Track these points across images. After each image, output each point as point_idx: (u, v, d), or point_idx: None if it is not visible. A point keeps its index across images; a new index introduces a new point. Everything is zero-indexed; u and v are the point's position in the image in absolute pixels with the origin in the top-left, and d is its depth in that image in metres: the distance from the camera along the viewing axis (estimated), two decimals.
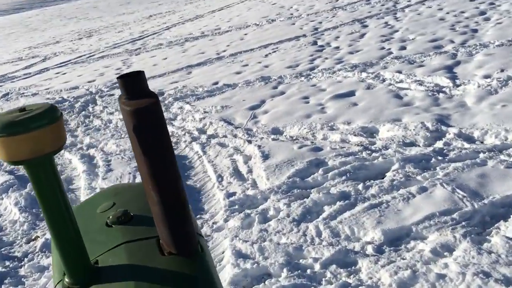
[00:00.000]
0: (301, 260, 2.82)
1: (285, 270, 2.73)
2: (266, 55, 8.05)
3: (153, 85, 7.38)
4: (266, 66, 7.33)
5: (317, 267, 2.73)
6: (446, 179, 3.30)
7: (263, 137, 4.65)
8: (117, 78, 1.06)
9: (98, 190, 4.11)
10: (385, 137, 4.22)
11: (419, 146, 3.93)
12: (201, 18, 14.52)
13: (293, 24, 10.32)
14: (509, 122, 3.99)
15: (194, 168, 4.39)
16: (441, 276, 2.46)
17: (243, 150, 4.47)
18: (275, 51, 8.22)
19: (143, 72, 1.06)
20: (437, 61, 5.90)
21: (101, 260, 1.20)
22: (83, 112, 6.70)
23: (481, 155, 3.57)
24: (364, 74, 5.98)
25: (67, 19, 22.10)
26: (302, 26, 9.85)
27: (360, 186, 3.44)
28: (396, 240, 2.87)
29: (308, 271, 2.70)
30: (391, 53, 6.70)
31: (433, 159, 3.63)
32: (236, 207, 3.52)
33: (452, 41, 6.68)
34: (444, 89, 5.03)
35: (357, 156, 3.88)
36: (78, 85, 8.36)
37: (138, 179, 4.18)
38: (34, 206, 4.11)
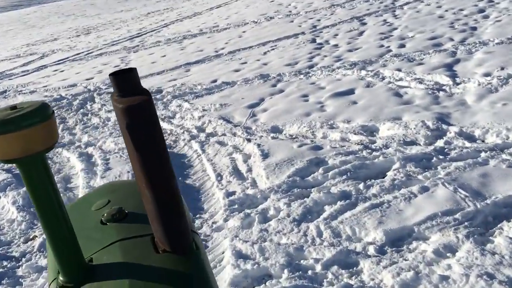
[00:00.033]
0: (302, 261, 2.79)
1: (286, 271, 2.70)
2: (265, 53, 8.01)
3: (152, 83, 7.34)
4: (265, 64, 7.30)
5: (318, 268, 2.70)
6: (447, 179, 3.28)
7: (262, 136, 4.62)
8: (109, 75, 1.05)
9: None
10: (386, 135, 4.19)
11: (419, 145, 3.90)
12: (199, 15, 14.47)
13: (292, 21, 10.28)
14: (510, 121, 3.97)
15: (193, 167, 4.36)
16: (445, 278, 2.44)
17: (243, 148, 4.43)
18: (273, 49, 8.18)
19: (135, 69, 1.05)
20: (437, 59, 5.87)
21: (95, 258, 1.19)
22: (81, 110, 6.66)
23: (483, 154, 3.54)
24: (363, 72, 5.94)
25: (65, 16, 22.05)
26: (300, 24, 9.81)
27: (361, 186, 3.41)
28: (398, 240, 2.84)
29: (309, 272, 2.68)
30: (390, 51, 6.67)
31: (434, 158, 3.60)
32: (236, 206, 3.49)
33: (451, 39, 6.65)
34: (444, 87, 5.00)
35: (357, 155, 3.85)
36: (76, 83, 8.32)
37: None
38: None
